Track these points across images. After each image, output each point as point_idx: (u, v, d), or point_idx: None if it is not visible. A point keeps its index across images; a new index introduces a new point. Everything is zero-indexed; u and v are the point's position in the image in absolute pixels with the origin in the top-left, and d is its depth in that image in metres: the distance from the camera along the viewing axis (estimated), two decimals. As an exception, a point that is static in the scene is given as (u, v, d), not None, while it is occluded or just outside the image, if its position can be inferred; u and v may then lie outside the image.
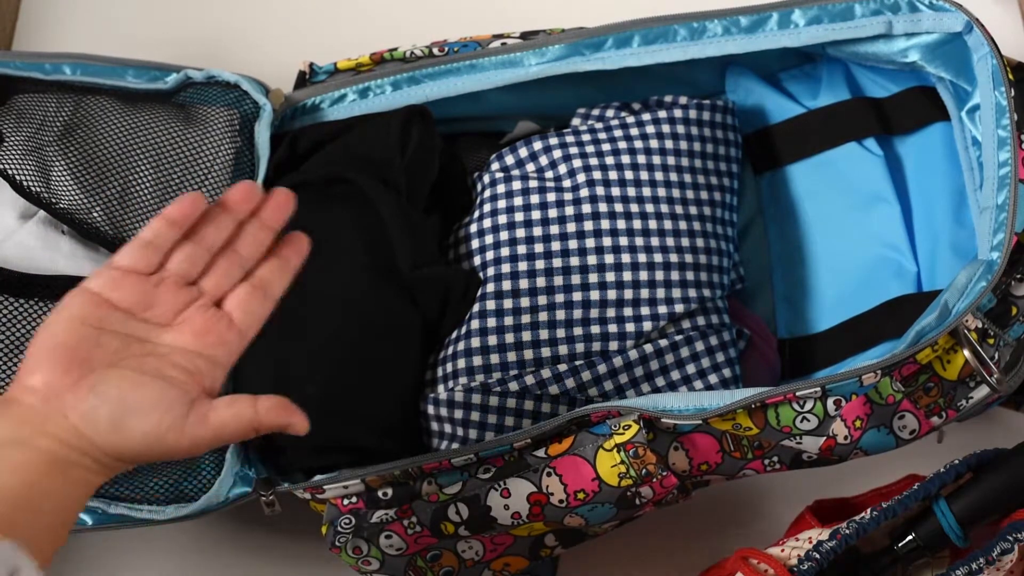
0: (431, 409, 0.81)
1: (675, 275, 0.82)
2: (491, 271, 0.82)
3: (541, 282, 0.81)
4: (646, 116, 0.85)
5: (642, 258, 0.81)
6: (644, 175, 0.83)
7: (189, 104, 0.85)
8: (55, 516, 0.59)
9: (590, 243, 0.81)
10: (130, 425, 0.60)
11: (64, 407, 0.60)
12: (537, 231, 0.82)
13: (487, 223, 0.83)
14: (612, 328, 0.80)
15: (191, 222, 0.64)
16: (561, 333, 0.80)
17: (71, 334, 0.61)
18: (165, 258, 0.63)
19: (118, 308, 0.62)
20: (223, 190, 0.83)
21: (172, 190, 0.82)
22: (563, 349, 0.80)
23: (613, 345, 0.80)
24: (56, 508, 0.59)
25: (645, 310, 0.81)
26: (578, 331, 0.80)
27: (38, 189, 0.78)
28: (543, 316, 0.80)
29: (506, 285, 0.81)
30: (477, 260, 0.83)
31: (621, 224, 0.81)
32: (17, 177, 0.78)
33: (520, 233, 0.82)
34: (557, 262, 0.81)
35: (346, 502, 0.77)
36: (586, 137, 0.84)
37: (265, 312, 0.65)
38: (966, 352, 0.74)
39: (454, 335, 0.82)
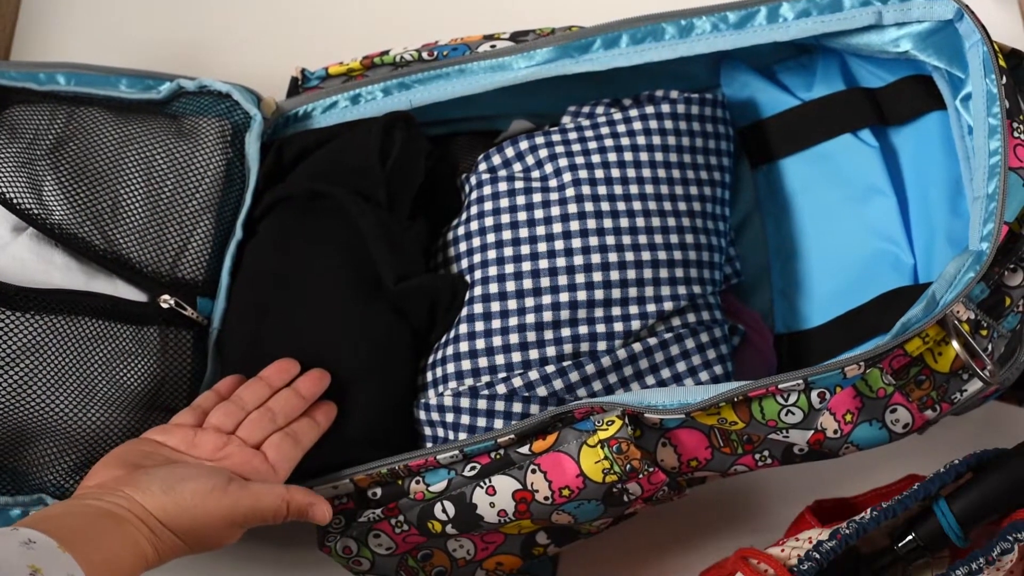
0: (422, 415, 0.81)
1: (664, 273, 0.81)
2: (478, 274, 0.82)
3: (528, 284, 0.81)
4: (633, 112, 0.85)
5: (629, 257, 0.81)
6: (631, 172, 0.83)
7: (181, 115, 0.86)
8: (107, 557, 0.65)
9: (576, 243, 0.81)
10: (179, 487, 0.70)
11: (119, 486, 0.70)
12: (523, 232, 0.82)
13: (474, 225, 0.83)
14: (600, 328, 0.80)
15: (233, 390, 0.78)
16: (549, 335, 0.80)
17: (125, 450, 0.74)
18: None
19: (167, 446, 0.75)
20: (214, 201, 0.84)
21: (164, 202, 0.83)
22: (551, 351, 0.80)
23: (601, 345, 0.80)
24: (109, 555, 0.65)
25: (633, 309, 0.80)
26: (566, 332, 0.80)
27: (28, 205, 0.80)
28: (530, 318, 0.80)
29: (493, 288, 0.81)
30: (464, 263, 0.83)
31: (607, 223, 0.81)
32: (7, 194, 0.80)
33: (506, 235, 0.82)
34: (544, 263, 0.81)
35: (336, 503, 0.78)
36: (572, 136, 0.84)
37: (297, 456, 0.76)
38: (955, 344, 0.72)
39: (443, 340, 0.82)
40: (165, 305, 0.81)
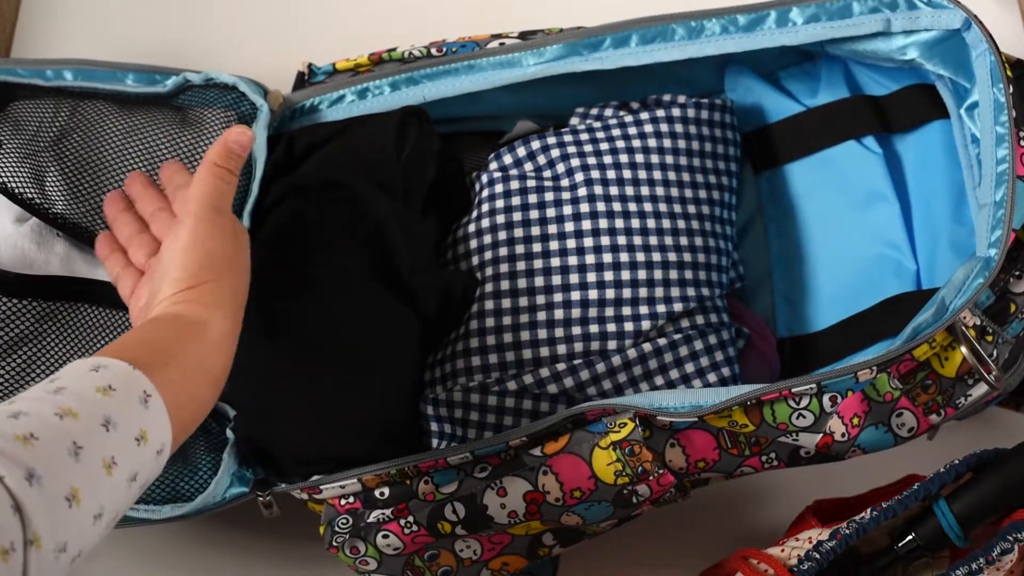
0: (430, 409, 0.81)
1: (674, 274, 0.81)
2: (489, 271, 0.82)
3: (539, 282, 0.81)
4: (644, 115, 0.85)
5: (640, 257, 0.81)
6: (642, 174, 0.83)
7: (186, 107, 0.85)
8: (177, 361, 0.63)
9: (588, 242, 0.81)
10: (166, 262, 0.69)
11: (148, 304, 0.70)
12: (535, 231, 0.82)
13: (485, 223, 0.83)
14: (611, 327, 0.80)
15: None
16: (559, 332, 0.80)
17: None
18: None
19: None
20: None
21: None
22: (561, 348, 0.80)
23: (612, 344, 0.80)
24: (177, 356, 0.63)
25: (644, 309, 0.81)
26: (576, 330, 0.80)
27: (31, 195, 0.79)
28: (541, 316, 0.80)
29: (504, 285, 0.81)
30: (475, 260, 0.83)
31: (619, 223, 0.81)
32: (10, 185, 0.79)
33: (518, 233, 0.82)
34: (555, 262, 0.81)
35: (343, 502, 0.77)
36: (584, 136, 0.84)
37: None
38: (964, 349, 0.73)
39: (452, 335, 0.82)
40: None
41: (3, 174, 0.79)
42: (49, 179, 0.79)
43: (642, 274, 0.81)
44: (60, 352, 0.77)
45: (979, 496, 0.74)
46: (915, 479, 0.78)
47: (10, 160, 0.79)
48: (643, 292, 0.81)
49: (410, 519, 0.76)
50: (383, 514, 0.76)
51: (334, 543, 0.77)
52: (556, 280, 0.81)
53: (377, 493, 0.77)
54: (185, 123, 0.84)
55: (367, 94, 0.86)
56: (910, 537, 0.76)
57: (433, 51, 0.86)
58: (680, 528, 0.87)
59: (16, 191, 0.78)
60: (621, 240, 0.81)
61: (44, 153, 0.80)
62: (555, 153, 0.84)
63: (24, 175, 0.79)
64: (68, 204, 0.79)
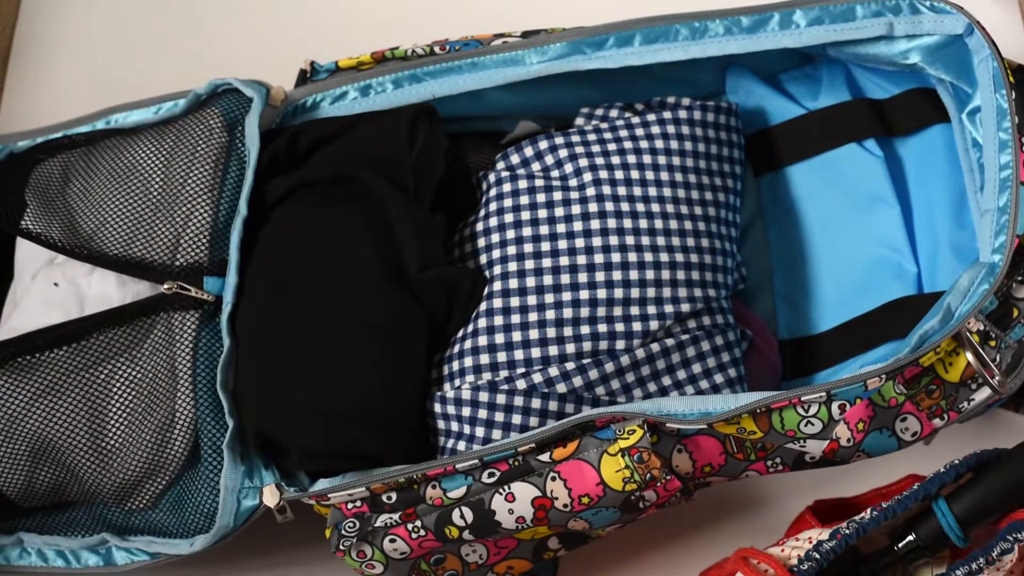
0: (438, 408, 0.80)
1: (681, 275, 0.82)
2: (498, 270, 0.82)
3: (548, 280, 0.80)
4: (651, 117, 0.85)
5: (648, 257, 0.81)
6: (650, 175, 0.83)
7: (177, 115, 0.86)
8: None
9: (596, 242, 0.81)
10: None
11: None
12: (543, 230, 0.81)
13: (493, 222, 0.83)
14: (619, 327, 0.80)
15: None
16: (568, 332, 0.80)
17: None
18: None
19: None
20: (208, 184, 0.83)
21: (154, 193, 0.83)
22: (570, 348, 0.80)
23: (620, 344, 0.80)
24: None
25: (652, 309, 0.81)
26: (585, 330, 0.80)
27: (56, 237, 0.83)
28: (550, 315, 0.80)
29: (513, 284, 0.81)
30: (483, 259, 0.82)
31: (627, 223, 0.81)
32: (35, 231, 0.83)
33: (526, 232, 0.82)
34: (564, 261, 0.81)
35: (350, 506, 0.77)
36: (591, 137, 0.84)
37: None
38: (968, 355, 0.74)
39: (460, 334, 0.81)
40: (169, 292, 0.80)
41: (33, 227, 0.83)
42: (59, 223, 0.83)
43: (650, 274, 0.81)
44: (70, 399, 0.81)
45: (979, 496, 0.75)
46: (915, 479, 0.79)
47: (37, 216, 0.84)
48: (651, 292, 0.81)
49: (417, 524, 0.76)
50: (390, 518, 0.76)
51: (340, 547, 0.77)
52: (564, 279, 0.80)
53: (384, 497, 0.77)
54: (168, 131, 0.85)
55: (370, 91, 0.85)
56: (910, 537, 0.76)
57: (436, 49, 0.85)
58: (680, 528, 0.87)
59: (43, 237, 0.83)
60: (629, 240, 0.81)
61: (58, 200, 0.84)
62: (563, 153, 0.84)
63: (51, 225, 0.83)
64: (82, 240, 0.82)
